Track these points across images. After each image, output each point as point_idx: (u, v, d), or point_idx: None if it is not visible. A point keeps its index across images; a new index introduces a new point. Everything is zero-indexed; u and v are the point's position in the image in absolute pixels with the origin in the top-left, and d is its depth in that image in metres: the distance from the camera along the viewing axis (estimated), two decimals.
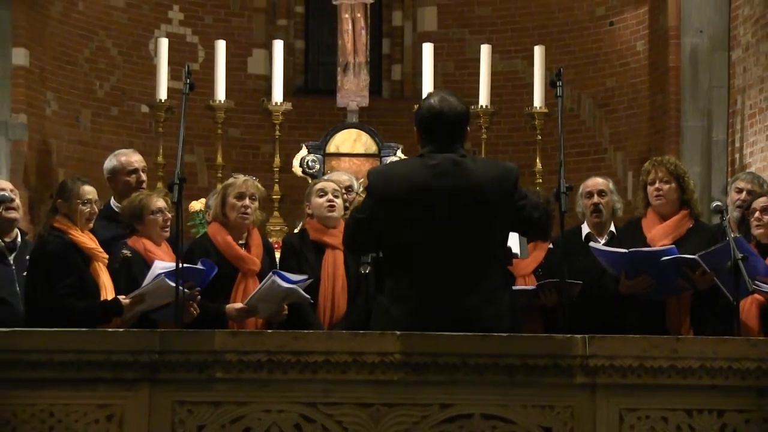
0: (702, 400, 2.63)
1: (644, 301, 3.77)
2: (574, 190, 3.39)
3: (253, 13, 7.69)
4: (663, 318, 3.79)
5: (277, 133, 6.44)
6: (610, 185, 4.30)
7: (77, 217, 3.75)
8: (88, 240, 3.76)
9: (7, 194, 3.88)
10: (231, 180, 4.05)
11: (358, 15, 6.55)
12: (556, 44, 7.21)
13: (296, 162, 6.37)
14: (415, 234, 2.88)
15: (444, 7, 7.75)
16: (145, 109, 6.88)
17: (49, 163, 6.59)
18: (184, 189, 3.31)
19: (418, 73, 7.01)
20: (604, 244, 4.05)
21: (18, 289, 3.85)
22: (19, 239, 3.98)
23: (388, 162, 5.91)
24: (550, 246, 4.03)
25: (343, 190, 4.21)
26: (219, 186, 4.55)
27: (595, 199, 4.20)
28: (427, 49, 6.50)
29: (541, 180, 6.28)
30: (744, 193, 4.14)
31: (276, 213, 6.32)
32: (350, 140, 6.44)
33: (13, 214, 3.92)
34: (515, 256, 3.69)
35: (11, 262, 3.90)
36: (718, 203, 3.73)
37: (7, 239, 3.92)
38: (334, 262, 3.91)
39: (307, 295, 3.77)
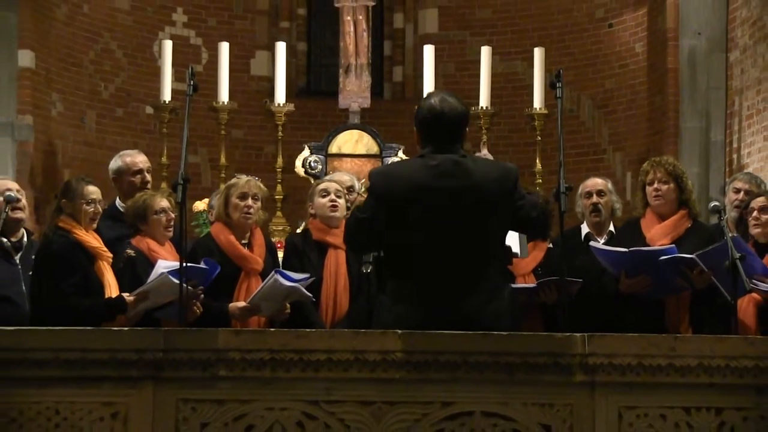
0: (700, 398, 2.64)
1: (644, 300, 3.79)
2: (573, 190, 3.41)
3: (256, 16, 7.72)
4: (662, 317, 3.81)
5: (280, 134, 6.47)
6: (609, 185, 4.32)
7: (81, 216, 3.77)
8: (92, 239, 3.78)
9: (13, 194, 3.89)
10: (234, 180, 4.07)
11: (360, 17, 6.58)
12: (556, 46, 7.23)
13: (299, 162, 6.40)
14: (416, 234, 2.89)
15: (445, 9, 7.77)
16: (149, 110, 6.91)
17: (54, 164, 6.62)
18: (187, 189, 3.32)
19: (419, 75, 7.04)
20: (603, 244, 4.07)
21: (24, 288, 3.87)
22: (25, 239, 4.00)
23: (389, 162, 5.93)
24: (550, 245, 4.06)
25: (345, 191, 4.23)
26: (222, 186, 4.57)
27: (594, 199, 4.22)
28: (428, 51, 6.52)
29: (540, 180, 6.30)
30: (741, 193, 4.17)
31: (279, 213, 6.35)
32: (352, 141, 6.47)
33: (19, 214, 3.93)
34: (515, 255, 3.71)
35: (17, 261, 3.92)
36: (716, 203, 3.74)
37: (13, 239, 3.93)
38: (336, 262, 3.93)
39: (309, 294, 3.80)
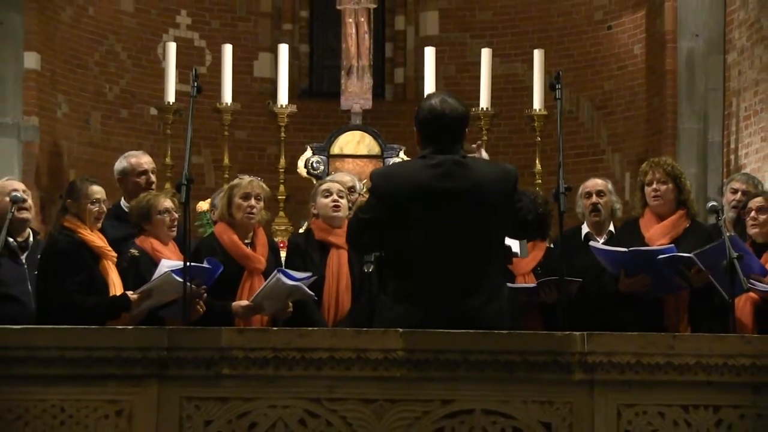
0: (698, 395, 2.65)
1: (643, 299, 3.81)
2: (572, 190, 3.42)
3: (259, 18, 7.75)
4: (661, 316, 3.83)
5: (283, 134, 6.51)
6: (609, 186, 4.35)
7: (86, 216, 3.80)
8: (97, 239, 3.81)
9: (19, 195, 3.90)
10: (237, 181, 4.09)
11: (362, 19, 6.62)
12: (556, 48, 7.25)
13: (301, 163, 6.44)
14: (417, 234, 2.90)
15: (445, 11, 7.80)
16: (153, 111, 6.94)
17: (60, 165, 6.65)
18: (191, 189, 3.34)
19: (420, 77, 7.07)
20: (603, 244, 4.10)
21: (30, 287, 3.90)
22: (30, 239, 4.02)
23: (390, 163, 5.97)
24: (551, 246, 4.09)
25: (347, 191, 4.26)
26: (225, 186, 4.61)
27: (594, 199, 4.25)
28: (429, 53, 6.55)
29: (540, 180, 6.33)
30: (739, 193, 4.20)
31: (281, 213, 6.39)
32: (354, 142, 6.50)
33: (25, 214, 3.95)
34: (515, 255, 3.74)
35: (23, 261, 3.94)
36: (714, 203, 3.77)
37: (19, 239, 3.95)
38: (338, 261, 3.95)
39: (312, 293, 3.82)
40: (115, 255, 3.84)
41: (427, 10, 7.88)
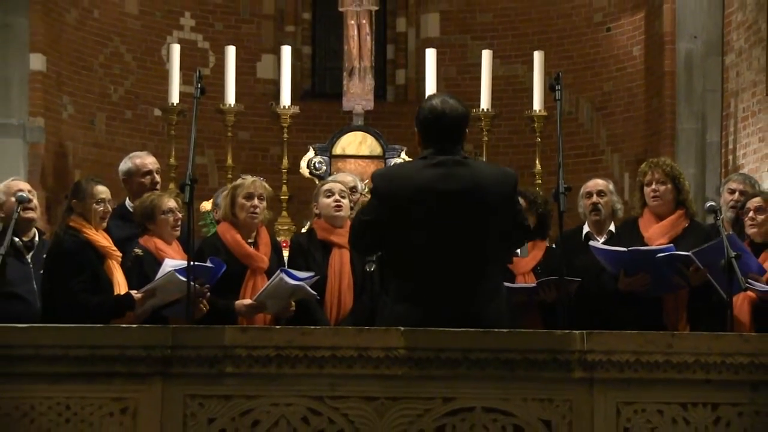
0: (696, 393, 2.67)
1: (642, 298, 3.83)
2: (573, 190, 3.45)
3: (262, 20, 7.78)
4: (660, 314, 3.85)
5: (285, 135, 6.54)
6: (610, 186, 4.37)
7: (91, 216, 3.83)
8: (101, 238, 3.83)
9: (24, 195, 3.92)
10: (239, 181, 4.12)
11: (364, 21, 6.65)
12: (555, 49, 7.28)
13: (303, 163, 6.47)
14: (418, 234, 2.91)
15: (446, 13, 7.82)
16: (157, 112, 6.96)
17: (65, 165, 6.68)
18: (195, 190, 3.37)
19: (422, 78, 7.09)
20: (603, 243, 4.12)
21: (35, 286, 3.92)
22: (36, 238, 4.04)
23: (392, 164, 6.00)
24: (551, 245, 4.11)
25: (348, 191, 4.29)
26: (228, 186, 4.64)
27: (594, 198, 4.27)
28: (430, 55, 6.58)
29: (540, 181, 6.35)
30: (737, 193, 4.22)
31: (284, 213, 6.42)
32: (356, 142, 6.54)
33: (30, 214, 3.97)
34: (515, 254, 3.77)
35: (29, 260, 3.96)
36: (712, 203, 3.79)
37: (25, 238, 3.97)
38: (340, 261, 3.97)
39: (314, 292, 3.84)
40: (120, 255, 3.87)
41: (428, 12, 7.91)
